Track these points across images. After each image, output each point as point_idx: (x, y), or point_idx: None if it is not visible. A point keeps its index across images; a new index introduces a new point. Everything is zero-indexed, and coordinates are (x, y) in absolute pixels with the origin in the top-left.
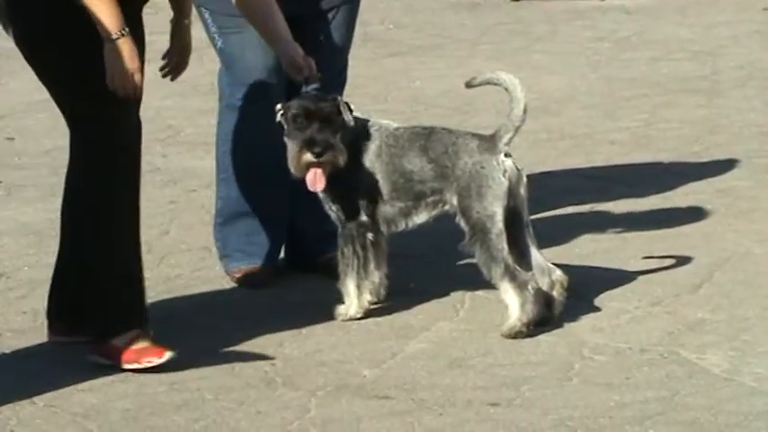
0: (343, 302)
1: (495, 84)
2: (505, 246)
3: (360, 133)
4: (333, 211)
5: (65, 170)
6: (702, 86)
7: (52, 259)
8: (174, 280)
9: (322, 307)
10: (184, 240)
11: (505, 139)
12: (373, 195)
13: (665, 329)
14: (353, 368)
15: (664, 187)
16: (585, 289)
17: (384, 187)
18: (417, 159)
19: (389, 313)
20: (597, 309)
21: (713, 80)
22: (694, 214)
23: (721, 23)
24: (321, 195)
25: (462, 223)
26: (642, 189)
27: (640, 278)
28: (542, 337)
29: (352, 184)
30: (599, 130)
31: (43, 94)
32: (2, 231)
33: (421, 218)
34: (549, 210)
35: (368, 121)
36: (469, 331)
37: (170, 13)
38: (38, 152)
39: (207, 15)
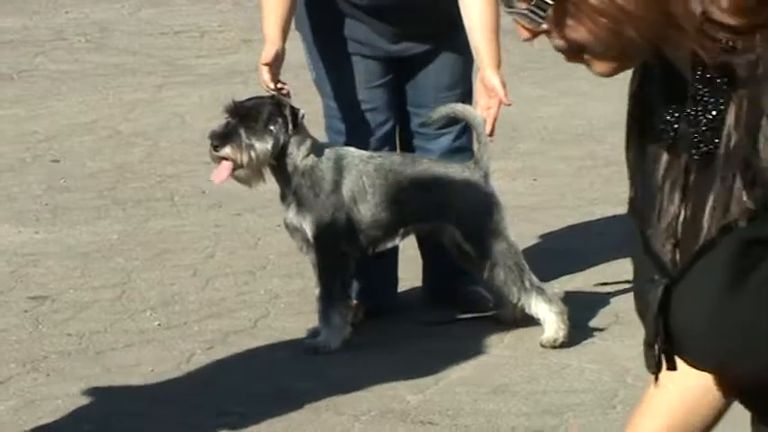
0: (319, 334)
1: (455, 116)
2: (525, 262)
3: (335, 161)
4: (310, 242)
5: (109, 193)
6: None
7: (97, 282)
8: (219, 303)
9: (364, 330)
10: (229, 264)
11: (487, 161)
12: (354, 224)
13: None
14: (397, 393)
15: None
16: (630, 315)
17: (366, 216)
18: (406, 189)
19: (433, 339)
20: (641, 336)
21: None
22: None
23: None
24: (292, 224)
25: (472, 250)
26: None
27: None
28: (586, 365)
29: (334, 214)
30: None
31: (87, 116)
32: (47, 254)
33: (400, 240)
34: (595, 235)
35: (341, 149)
36: (514, 358)
37: (215, 38)
38: (83, 174)
39: (304, 45)
